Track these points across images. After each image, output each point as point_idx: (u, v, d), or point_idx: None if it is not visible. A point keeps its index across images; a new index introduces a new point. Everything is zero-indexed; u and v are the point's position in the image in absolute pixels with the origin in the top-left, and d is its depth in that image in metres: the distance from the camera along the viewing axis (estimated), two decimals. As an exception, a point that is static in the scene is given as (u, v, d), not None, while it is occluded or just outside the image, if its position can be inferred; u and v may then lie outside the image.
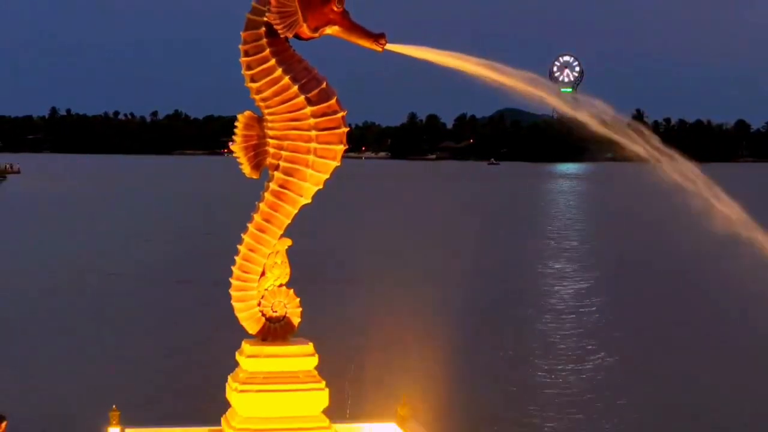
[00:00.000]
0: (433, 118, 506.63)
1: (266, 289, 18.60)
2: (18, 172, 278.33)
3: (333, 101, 18.09)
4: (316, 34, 17.94)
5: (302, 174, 18.16)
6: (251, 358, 18.37)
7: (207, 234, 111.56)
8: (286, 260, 18.65)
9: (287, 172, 18.20)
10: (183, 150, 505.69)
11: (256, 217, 18.44)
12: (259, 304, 18.61)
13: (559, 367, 51.01)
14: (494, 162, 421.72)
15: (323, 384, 18.38)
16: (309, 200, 18.38)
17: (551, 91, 19.88)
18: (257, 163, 18.51)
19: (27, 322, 60.67)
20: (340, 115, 18.15)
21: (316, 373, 18.48)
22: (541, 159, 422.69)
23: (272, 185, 18.31)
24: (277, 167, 18.28)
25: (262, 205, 18.40)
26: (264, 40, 17.90)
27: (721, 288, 64.86)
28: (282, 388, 18.13)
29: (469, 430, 37.25)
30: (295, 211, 18.40)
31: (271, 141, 18.32)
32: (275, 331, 18.69)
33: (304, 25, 17.78)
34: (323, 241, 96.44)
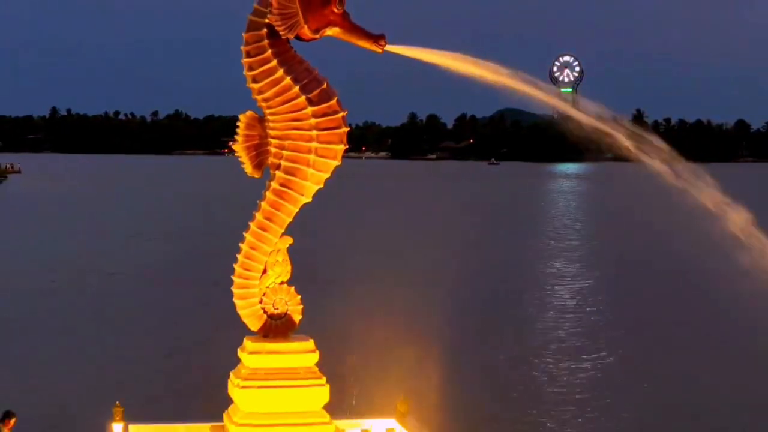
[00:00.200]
0: (433, 118, 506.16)
1: (268, 287, 18.86)
2: (19, 172, 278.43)
3: (333, 101, 18.34)
4: (317, 36, 18.20)
5: (303, 173, 18.41)
6: (253, 355, 18.64)
7: (207, 234, 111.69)
8: (288, 258, 18.90)
9: (289, 172, 18.45)
10: (183, 150, 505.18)
11: (258, 216, 18.69)
12: (260, 302, 18.88)
13: (559, 366, 51.06)
14: (494, 162, 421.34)
15: (324, 380, 18.65)
16: (310, 199, 18.64)
17: (549, 91, 20.13)
18: (259, 162, 18.78)
19: (27, 321, 60.67)
20: (340, 115, 18.41)
21: (316, 369, 18.74)
22: (541, 159, 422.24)
23: (274, 184, 18.56)
24: (278, 166, 18.53)
25: (263, 204, 18.64)
26: (266, 41, 18.16)
27: (721, 288, 64.79)
28: (283, 384, 18.40)
29: (468, 427, 37.40)
30: (297, 210, 18.66)
31: (272, 141, 18.57)
32: (276, 328, 18.95)
33: (305, 27, 18.04)
34: (324, 241, 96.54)
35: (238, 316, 19.31)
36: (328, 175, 18.55)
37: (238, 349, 19.09)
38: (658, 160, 19.84)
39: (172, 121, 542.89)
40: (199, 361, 48.10)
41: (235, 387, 18.68)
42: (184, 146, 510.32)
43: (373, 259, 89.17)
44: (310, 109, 18.23)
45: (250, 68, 18.26)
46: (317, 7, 17.98)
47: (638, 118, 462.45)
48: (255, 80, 18.28)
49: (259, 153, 18.78)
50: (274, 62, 18.18)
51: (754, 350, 52.09)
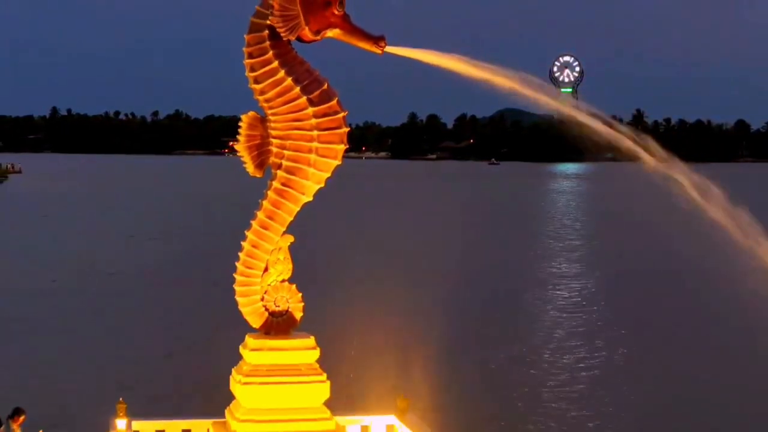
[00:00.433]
0: (433, 118, 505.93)
1: (269, 284, 19.06)
2: (19, 172, 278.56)
3: (334, 102, 18.56)
4: (318, 37, 18.41)
5: (304, 172, 18.63)
6: (255, 352, 18.84)
7: (207, 234, 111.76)
8: (289, 256, 19.11)
9: (290, 171, 18.68)
10: (183, 150, 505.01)
11: (260, 215, 18.90)
12: (262, 299, 19.08)
13: (559, 366, 51.14)
14: (495, 162, 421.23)
15: (324, 376, 18.84)
16: (311, 198, 18.85)
17: (548, 92, 20.30)
18: (261, 162, 19.00)
19: (27, 321, 60.76)
20: (340, 115, 18.63)
21: (317, 365, 18.94)
22: (541, 159, 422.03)
23: (275, 183, 18.78)
24: (280, 166, 18.75)
25: (265, 203, 18.85)
26: (267, 43, 18.38)
27: (721, 288, 64.86)
28: (284, 381, 18.59)
29: (467, 423, 37.52)
30: (298, 209, 18.87)
31: (274, 141, 18.79)
32: (278, 325, 19.15)
33: (306, 28, 18.26)
34: (325, 240, 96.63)
35: (238, 315, 19.48)
36: (328, 175, 18.77)
37: (240, 346, 19.29)
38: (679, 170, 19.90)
39: (172, 121, 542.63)
40: (200, 360, 48.17)
41: (237, 383, 18.88)
42: (185, 146, 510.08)
43: (373, 258, 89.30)
44: (311, 110, 18.45)
45: (252, 69, 18.49)
46: (318, 9, 18.20)
47: (638, 118, 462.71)
48: (257, 81, 18.49)
49: (261, 153, 19.00)
50: (276, 63, 18.40)
51: (754, 350, 52.08)
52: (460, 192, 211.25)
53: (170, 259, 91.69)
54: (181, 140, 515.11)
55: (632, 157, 20.01)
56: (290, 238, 19.13)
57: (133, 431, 21.45)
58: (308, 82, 18.49)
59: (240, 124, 19.05)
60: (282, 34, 18.31)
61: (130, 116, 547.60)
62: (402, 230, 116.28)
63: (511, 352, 53.82)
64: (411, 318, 58.26)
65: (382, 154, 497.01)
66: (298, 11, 18.16)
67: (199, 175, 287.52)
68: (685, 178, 19.90)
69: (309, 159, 18.61)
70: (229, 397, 19.45)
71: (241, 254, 19.02)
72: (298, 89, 18.39)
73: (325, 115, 18.52)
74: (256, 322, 19.14)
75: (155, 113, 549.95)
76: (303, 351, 18.91)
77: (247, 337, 19.27)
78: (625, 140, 19.76)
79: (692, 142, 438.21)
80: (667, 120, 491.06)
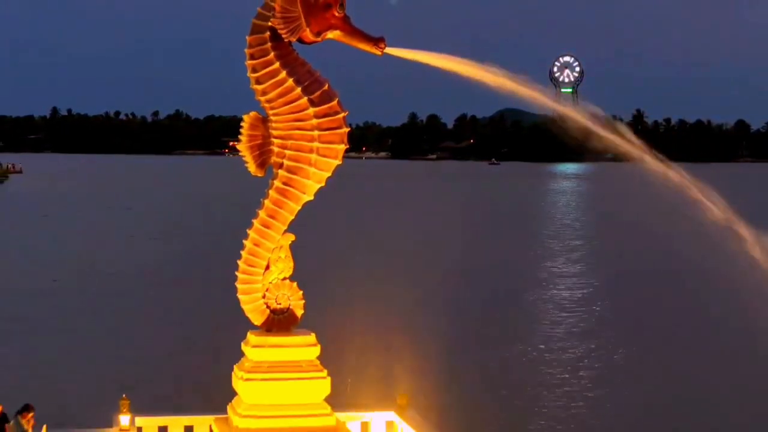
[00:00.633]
0: (433, 118, 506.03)
1: (271, 282, 19.29)
2: (20, 171, 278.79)
3: (334, 102, 18.80)
4: (319, 39, 18.64)
5: (305, 172, 18.87)
6: (256, 348, 19.06)
7: (207, 234, 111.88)
8: (290, 255, 19.34)
9: (291, 170, 18.92)
10: (184, 150, 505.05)
11: (261, 214, 19.13)
12: (263, 297, 19.30)
13: (558, 365, 51.16)
14: (495, 162, 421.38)
15: (325, 373, 19.06)
16: (312, 197, 19.09)
17: (547, 94, 20.51)
18: (262, 161, 19.25)
19: (27, 321, 60.82)
20: (341, 115, 18.87)
21: (318, 362, 19.16)
22: (541, 159, 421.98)
23: (277, 183, 19.02)
24: (281, 165, 18.98)
25: (266, 202, 19.09)
26: (269, 44, 18.62)
27: (722, 288, 64.91)
28: (285, 377, 18.80)
29: (466, 420, 37.66)
30: (299, 208, 19.11)
31: (275, 140, 19.03)
32: (279, 322, 19.37)
33: (307, 30, 18.49)
34: (325, 240, 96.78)
35: (239, 313, 19.71)
36: (329, 174, 19.00)
37: (242, 343, 19.50)
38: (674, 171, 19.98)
39: (172, 121, 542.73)
40: (200, 360, 48.21)
41: (239, 379, 19.09)
42: (185, 146, 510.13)
43: (373, 258, 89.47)
44: (311, 110, 18.68)
45: (254, 70, 18.73)
46: (319, 11, 18.41)
47: (638, 118, 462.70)
48: (259, 82, 18.72)
49: (263, 152, 19.23)
50: (277, 64, 18.63)
51: (755, 350, 52.07)
52: (460, 192, 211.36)
53: (170, 259, 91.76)
54: (181, 140, 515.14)
55: (629, 157, 20.16)
56: (291, 237, 19.36)
57: (137, 427, 21.69)
58: (309, 82, 18.72)
59: (242, 124, 19.29)
60: (283, 36, 18.54)
61: (130, 116, 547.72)
62: (402, 230, 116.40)
63: (511, 352, 53.85)
64: (411, 318, 58.43)
65: (383, 154, 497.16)
66: (299, 13, 18.39)
67: (199, 175, 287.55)
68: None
69: (310, 158, 18.84)
70: (231, 394, 19.66)
71: (243, 252, 19.24)
72: (299, 90, 18.63)
73: (325, 115, 18.75)
74: (257, 319, 19.35)
75: (155, 113, 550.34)
76: (304, 348, 19.11)
77: (248, 334, 19.48)
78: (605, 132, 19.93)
79: (692, 142, 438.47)
80: (667, 120, 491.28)
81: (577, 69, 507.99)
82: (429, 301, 66.62)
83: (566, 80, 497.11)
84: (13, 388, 40.87)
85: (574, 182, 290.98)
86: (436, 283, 76.09)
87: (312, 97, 18.65)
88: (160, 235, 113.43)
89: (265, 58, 18.63)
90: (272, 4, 18.53)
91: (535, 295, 75.15)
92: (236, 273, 19.28)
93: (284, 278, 19.36)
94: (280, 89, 18.65)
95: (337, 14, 18.44)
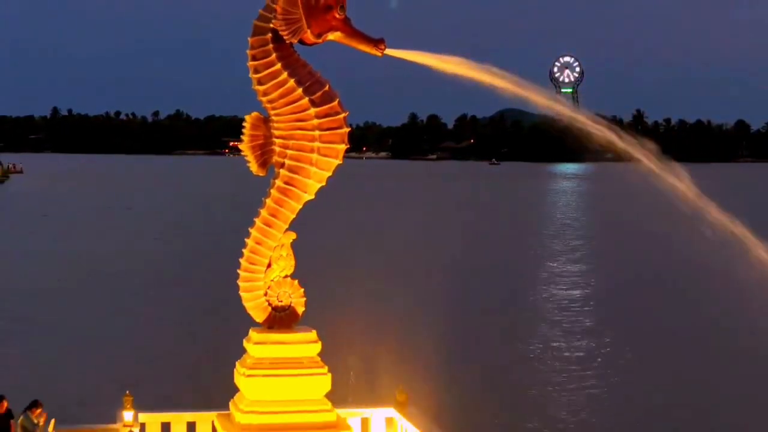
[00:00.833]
0: (433, 119, 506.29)
1: (272, 280, 19.51)
2: (21, 172, 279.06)
3: (335, 103, 19.02)
4: (320, 40, 18.85)
5: (306, 171, 19.10)
6: (258, 345, 19.26)
7: (208, 234, 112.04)
8: (291, 253, 19.56)
9: (292, 170, 19.15)
10: (184, 150, 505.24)
11: (263, 212, 19.35)
12: (265, 294, 19.51)
13: (558, 365, 51.31)
14: (495, 162, 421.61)
15: (326, 369, 19.26)
16: (312, 196, 19.31)
17: (548, 95, 20.70)
18: (264, 161, 19.47)
19: (27, 321, 60.97)
20: (342, 115, 19.09)
21: (319, 359, 19.36)
22: (541, 159, 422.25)
23: (278, 182, 19.25)
24: (282, 165, 19.21)
25: (268, 201, 19.31)
26: (270, 46, 18.83)
27: (722, 288, 65.00)
28: (287, 373, 18.98)
29: (465, 418, 37.82)
30: (300, 207, 19.33)
31: (277, 140, 19.26)
32: (281, 319, 19.56)
33: (308, 32, 18.70)
34: (326, 239, 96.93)
35: (240, 312, 19.91)
36: (330, 173, 19.21)
37: (244, 340, 19.70)
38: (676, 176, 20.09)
39: (172, 122, 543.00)
40: (201, 359, 48.41)
41: (240, 376, 19.28)
42: (185, 146, 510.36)
43: (373, 258, 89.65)
44: (313, 110, 18.89)
45: (256, 71, 18.94)
46: (320, 12, 18.61)
47: (638, 119, 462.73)
48: (260, 82, 18.93)
49: (264, 152, 19.44)
50: (279, 65, 18.84)
51: (755, 350, 52.12)
52: (460, 192, 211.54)
53: (170, 259, 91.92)
54: (181, 140, 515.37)
55: (628, 157, 20.31)
56: (292, 235, 19.57)
57: (140, 423, 21.92)
58: (310, 83, 18.94)
59: (244, 124, 19.51)
60: (285, 37, 18.76)
61: (130, 116, 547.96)
62: (402, 230, 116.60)
63: (511, 352, 53.99)
64: (411, 318, 58.60)
65: (383, 154, 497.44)
66: (301, 15, 18.60)
67: (199, 175, 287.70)
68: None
69: (311, 158, 19.06)
70: (233, 390, 19.88)
71: (244, 251, 19.43)
72: (300, 90, 18.84)
73: (326, 115, 18.96)
74: (259, 316, 19.55)
75: (156, 113, 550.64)
76: (305, 344, 19.29)
77: (250, 331, 19.67)
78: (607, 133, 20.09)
79: (692, 142, 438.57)
80: (667, 120, 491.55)
81: (577, 69, 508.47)
82: (429, 301, 66.81)
83: (566, 80, 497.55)
84: (14, 387, 41.02)
85: (574, 182, 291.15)
86: (436, 283, 76.26)
87: (313, 97, 18.86)
88: (160, 235, 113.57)
89: (266, 60, 18.85)
90: (274, 5, 18.74)
91: (535, 295, 75.30)
92: (238, 271, 19.49)
93: (286, 276, 19.55)
94: (281, 90, 18.86)
95: (337, 16, 18.64)
